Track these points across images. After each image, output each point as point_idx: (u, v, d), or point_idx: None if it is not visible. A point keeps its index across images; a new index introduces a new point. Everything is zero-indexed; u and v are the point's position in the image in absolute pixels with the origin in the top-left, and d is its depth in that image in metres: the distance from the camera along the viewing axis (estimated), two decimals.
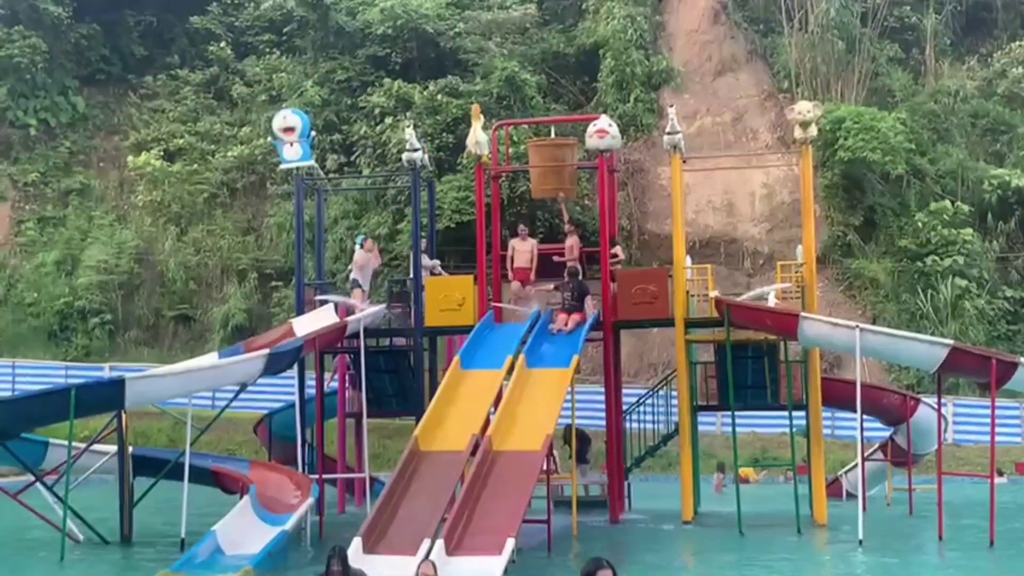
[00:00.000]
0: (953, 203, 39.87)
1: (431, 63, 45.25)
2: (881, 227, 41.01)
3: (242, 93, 47.26)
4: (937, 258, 38.90)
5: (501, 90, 42.40)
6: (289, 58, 47.64)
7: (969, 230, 39.37)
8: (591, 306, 22.88)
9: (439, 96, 42.46)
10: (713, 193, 41.32)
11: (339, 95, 45.11)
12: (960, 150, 42.15)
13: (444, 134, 41.24)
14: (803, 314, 20.69)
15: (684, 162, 23.58)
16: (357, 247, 25.56)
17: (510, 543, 15.86)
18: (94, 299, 42.87)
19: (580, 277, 23.34)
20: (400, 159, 40.99)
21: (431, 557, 14.42)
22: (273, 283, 42.83)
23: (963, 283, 38.40)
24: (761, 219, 41.44)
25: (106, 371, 38.03)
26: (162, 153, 45.84)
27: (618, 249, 24.44)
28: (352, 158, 43.09)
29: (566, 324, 22.29)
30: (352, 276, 24.90)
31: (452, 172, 40.28)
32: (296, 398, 22.22)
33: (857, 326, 19.76)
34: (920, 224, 39.74)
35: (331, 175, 38.71)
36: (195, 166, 45.65)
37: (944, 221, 39.47)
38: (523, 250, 24.20)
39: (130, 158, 45.66)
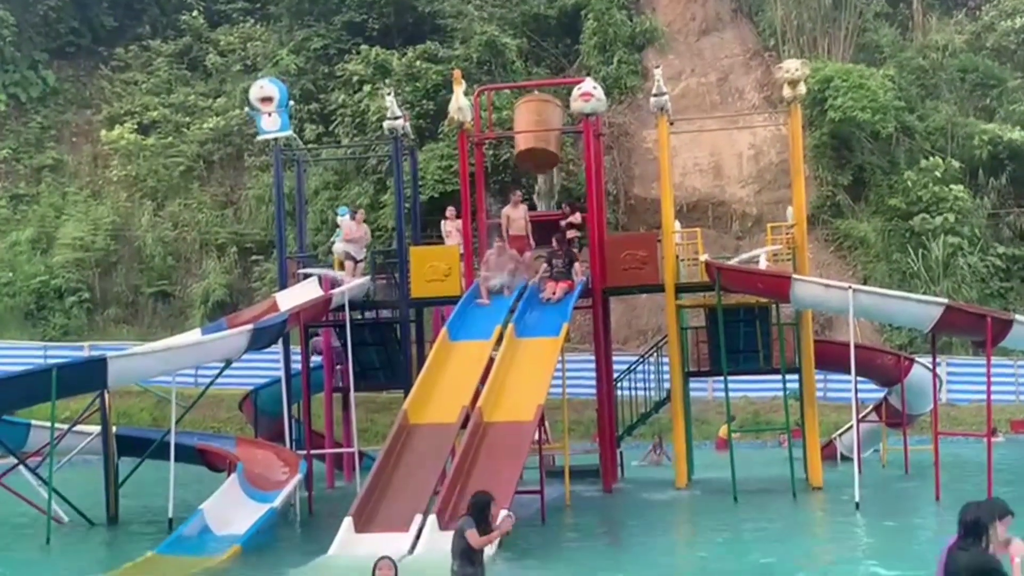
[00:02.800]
0: (943, 160, 39.91)
1: (409, 28, 45.08)
2: (871, 186, 41.03)
3: (216, 63, 47.00)
4: (928, 216, 38.94)
5: (481, 55, 42.19)
6: (263, 26, 47.40)
7: (960, 187, 39.42)
8: (579, 273, 22.92)
9: (418, 62, 42.24)
10: (700, 155, 41.28)
11: (315, 63, 44.89)
12: (949, 106, 42.13)
13: (424, 101, 41.06)
14: (795, 276, 20.79)
15: (671, 124, 23.57)
16: (341, 218, 25.58)
17: (503, 514, 15.92)
18: (71, 277, 42.71)
19: (570, 245, 23.36)
20: (380, 128, 41.19)
21: (394, 558, 13.36)
22: (253, 257, 42.77)
23: (954, 241, 38.47)
24: (749, 180, 41.42)
25: (85, 350, 37.90)
26: (136, 126, 45.58)
27: (577, 216, 24.29)
28: (330, 128, 42.92)
29: (554, 293, 22.30)
30: (337, 247, 24.90)
31: (434, 140, 40.15)
32: (281, 373, 22.24)
33: (850, 287, 19.88)
34: (910, 182, 39.75)
35: (309, 145, 38.61)
36: (170, 139, 45.42)
37: (934, 179, 39.50)
38: (517, 217, 24.09)
39: (103, 132, 45.41)
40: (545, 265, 22.99)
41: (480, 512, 11.13)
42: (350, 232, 24.39)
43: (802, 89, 22.57)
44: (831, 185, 40.66)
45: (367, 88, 42.15)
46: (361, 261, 24.37)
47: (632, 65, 43.46)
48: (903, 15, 45.37)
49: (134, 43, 48.59)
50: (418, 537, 15.80)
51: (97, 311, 42.94)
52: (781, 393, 35.33)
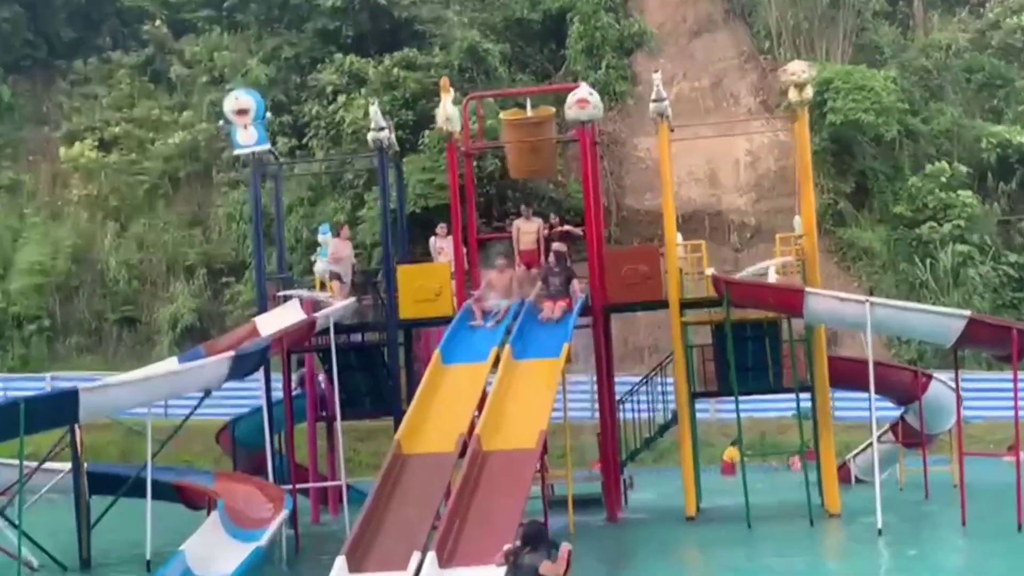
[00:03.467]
0: (950, 164, 39.91)
1: (385, 35, 44.78)
2: (874, 193, 41.02)
3: (181, 75, 46.64)
4: (935, 224, 38.92)
5: (462, 61, 41.99)
6: (231, 35, 46.98)
7: (968, 192, 39.41)
8: (578, 290, 22.69)
9: (395, 70, 42.00)
10: (695, 163, 41.11)
11: (287, 73, 44.65)
12: (954, 107, 42.22)
13: (403, 111, 40.78)
14: (808, 289, 20.59)
15: (672, 131, 23.40)
16: (323, 236, 25.32)
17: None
18: (30, 304, 42.17)
19: (567, 262, 23.13)
20: (357, 140, 41.05)
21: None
22: (224, 279, 42.38)
23: (964, 249, 38.43)
24: (747, 189, 41.38)
25: (47, 381, 37.52)
26: (97, 143, 45.14)
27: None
28: (304, 140, 42.63)
29: (553, 312, 22.04)
30: (319, 267, 24.66)
31: (414, 152, 39.89)
32: (263, 402, 21.93)
33: (867, 300, 19.74)
34: (915, 189, 39.76)
35: (282, 159, 38.32)
36: (133, 155, 44.97)
37: (941, 184, 39.50)
38: (529, 231, 23.98)
39: (62, 149, 44.94)
40: (541, 284, 22.75)
41: (541, 541, 10.88)
42: (337, 251, 24.13)
43: (809, 92, 22.45)
44: (832, 193, 40.57)
45: (342, 98, 41.91)
46: (346, 282, 24.12)
47: (621, 70, 43.37)
48: (903, 13, 45.51)
49: (93, 55, 48.10)
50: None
51: (58, 339, 42.45)
52: (788, 413, 35.89)
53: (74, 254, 43.44)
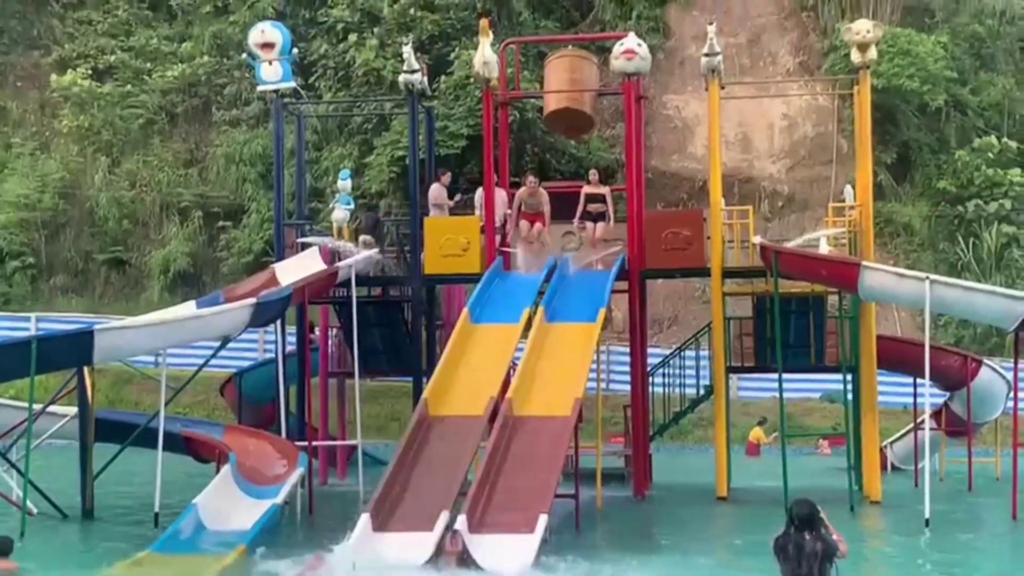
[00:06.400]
0: (999, 140, 40.02)
1: None
2: (917, 166, 41.19)
3: (182, 3, 46.68)
4: (981, 202, 39.12)
5: (485, 3, 41.97)
6: None
7: (1017, 170, 39.57)
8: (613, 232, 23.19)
9: (412, 10, 42.00)
10: (726, 126, 40.77)
11: (295, 7, 44.64)
12: (1007, 79, 42.31)
13: (418, 54, 40.63)
14: (865, 263, 20.73)
15: (723, 88, 23.50)
16: (342, 182, 25.46)
17: (543, 520, 15.89)
18: (13, 240, 42.35)
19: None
20: (367, 82, 41.07)
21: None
22: (221, 223, 42.55)
23: (1010, 230, 38.67)
24: (781, 155, 41.47)
25: (32, 322, 37.70)
26: (90, 71, 45.18)
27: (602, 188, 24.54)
28: (310, 80, 42.58)
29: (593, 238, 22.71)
30: (338, 215, 24.84)
31: (428, 98, 39.80)
32: (279, 354, 22.09)
33: (927, 277, 19.84)
34: (961, 163, 39.91)
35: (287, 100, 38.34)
36: (128, 87, 45.08)
37: (988, 160, 39.66)
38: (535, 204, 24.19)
39: (53, 77, 44.94)
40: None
41: (815, 524, 10.76)
42: (437, 197, 24.29)
43: (873, 54, 22.58)
44: (873, 163, 40.51)
45: (353, 37, 41.91)
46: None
47: (652, 21, 43.34)
48: None
49: None
50: (444, 536, 15.65)
51: (42, 278, 42.68)
52: (814, 395, 36.23)
53: (62, 189, 43.61)
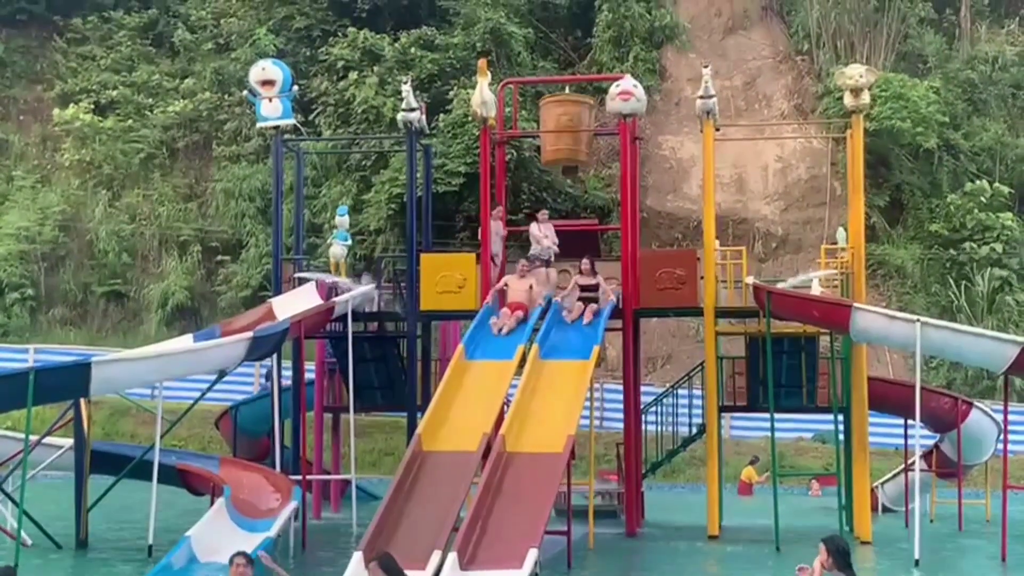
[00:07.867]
0: (990, 184, 40.16)
1: (402, 11, 45.12)
2: (909, 209, 41.35)
3: (185, 40, 46.89)
4: (973, 245, 39.22)
5: (484, 44, 42.21)
6: (239, 1, 47.17)
7: (1009, 214, 39.75)
8: (608, 292, 22.84)
9: (412, 49, 42.32)
10: (721, 167, 40.98)
11: (297, 45, 44.87)
12: (998, 124, 42.51)
13: (417, 93, 40.81)
14: (857, 305, 20.79)
15: (718, 130, 23.61)
16: (340, 218, 25.51)
17: (533, 554, 15.85)
18: (13, 272, 42.29)
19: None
20: (366, 119, 41.23)
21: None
22: (219, 257, 42.60)
23: (1002, 274, 38.77)
24: (775, 197, 41.61)
25: (30, 353, 37.66)
26: (92, 106, 45.40)
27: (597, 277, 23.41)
28: (311, 117, 42.77)
29: (583, 313, 22.21)
30: (336, 250, 24.85)
31: (426, 136, 39.98)
32: (274, 388, 22.09)
33: (918, 319, 19.86)
34: (954, 207, 40.05)
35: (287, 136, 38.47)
36: (130, 122, 45.25)
37: (980, 204, 39.81)
38: (520, 288, 22.69)
39: (55, 111, 45.19)
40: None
41: (846, 559, 10.65)
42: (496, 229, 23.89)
43: (866, 98, 22.68)
44: (865, 206, 40.57)
45: (353, 75, 42.12)
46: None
47: (649, 63, 43.60)
48: (949, 22, 45.77)
49: (93, 13, 48.38)
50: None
51: (41, 310, 42.61)
52: (807, 435, 36.21)
53: (62, 222, 43.68)
